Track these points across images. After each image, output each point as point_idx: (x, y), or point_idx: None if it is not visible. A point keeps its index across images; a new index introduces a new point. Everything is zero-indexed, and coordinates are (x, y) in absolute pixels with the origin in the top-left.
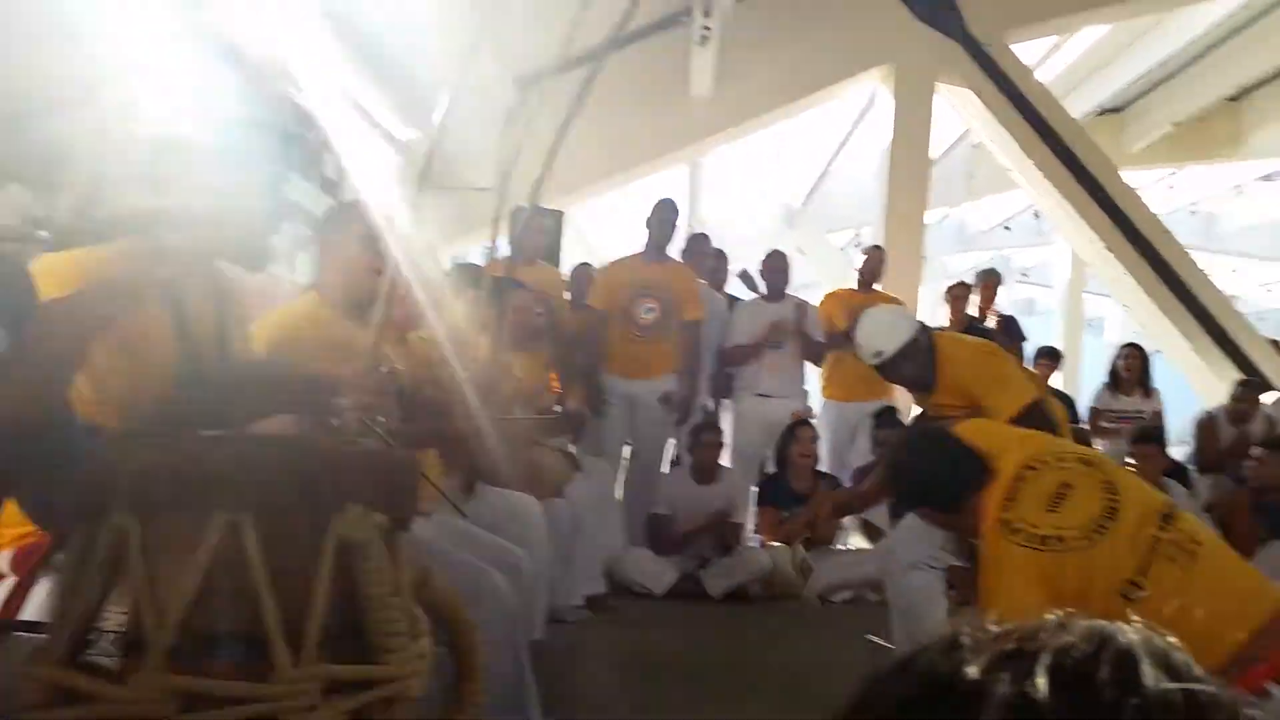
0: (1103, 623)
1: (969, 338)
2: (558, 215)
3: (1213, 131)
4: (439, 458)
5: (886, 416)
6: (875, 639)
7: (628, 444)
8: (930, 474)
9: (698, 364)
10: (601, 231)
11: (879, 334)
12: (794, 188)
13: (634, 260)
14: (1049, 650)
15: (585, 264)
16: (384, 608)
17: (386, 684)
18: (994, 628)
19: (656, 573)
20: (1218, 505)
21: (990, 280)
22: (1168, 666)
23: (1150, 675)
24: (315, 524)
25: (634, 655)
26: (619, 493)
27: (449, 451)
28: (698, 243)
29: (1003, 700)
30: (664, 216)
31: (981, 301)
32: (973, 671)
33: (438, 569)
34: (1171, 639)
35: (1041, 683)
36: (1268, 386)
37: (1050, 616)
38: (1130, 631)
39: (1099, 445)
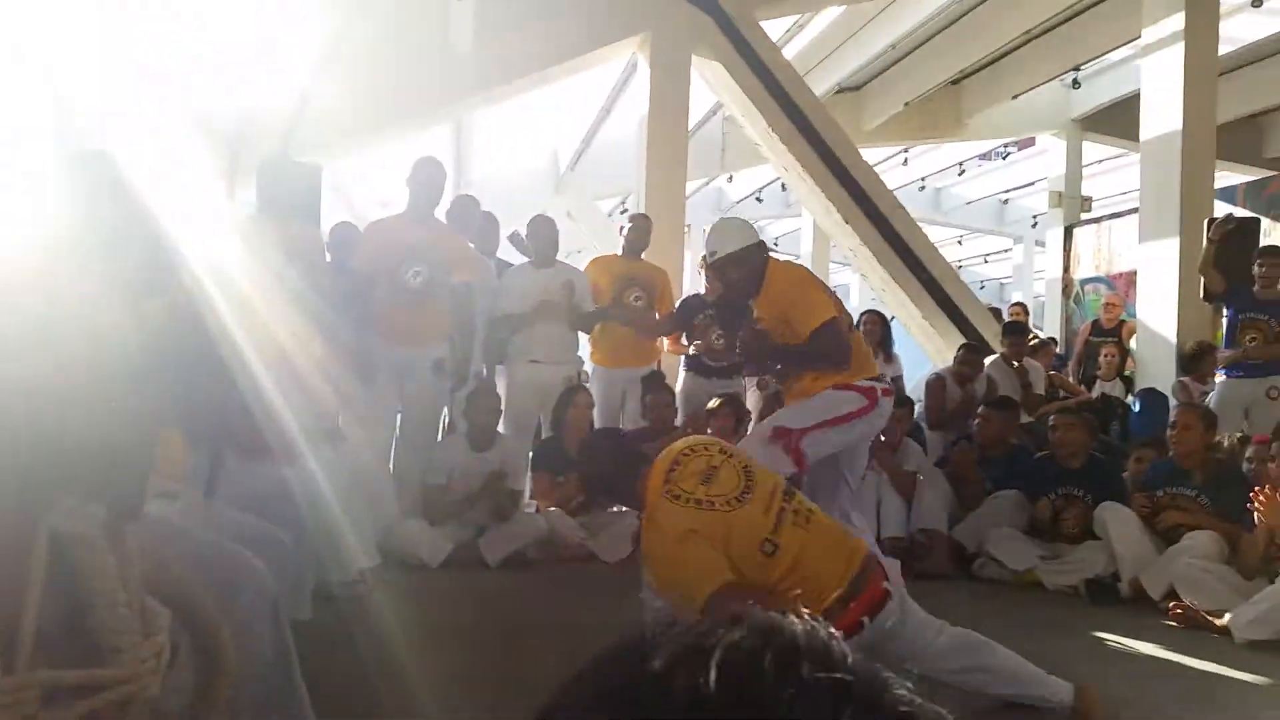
0: (774, 617)
1: (796, 265)
2: (315, 169)
3: (938, 112)
4: (182, 432)
5: (654, 381)
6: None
7: (399, 412)
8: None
9: (470, 329)
10: (371, 190)
11: (720, 237)
12: (561, 152)
13: (399, 221)
14: (722, 645)
15: (347, 223)
16: (109, 605)
17: (116, 686)
18: (678, 625)
19: (432, 543)
20: (948, 461)
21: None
22: (825, 656)
23: (808, 666)
24: (24, 518)
25: (409, 628)
26: (391, 463)
27: (195, 424)
28: (465, 204)
29: (680, 694)
30: (427, 176)
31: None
32: (655, 666)
33: (186, 557)
34: (833, 631)
35: (712, 676)
36: (988, 350)
37: (732, 612)
38: (797, 625)
39: None
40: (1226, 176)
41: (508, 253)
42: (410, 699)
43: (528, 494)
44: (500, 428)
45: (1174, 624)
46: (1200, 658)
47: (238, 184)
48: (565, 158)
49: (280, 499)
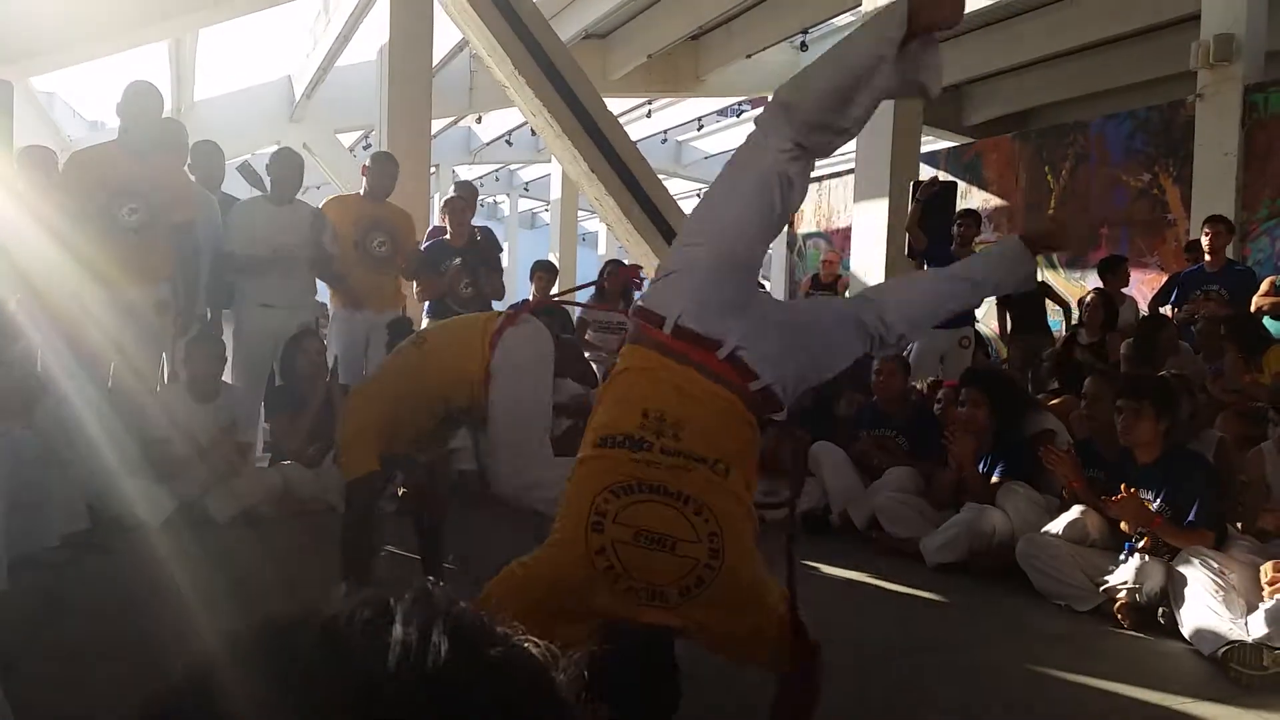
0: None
1: None
2: (4, 86)
3: (678, 67)
4: None
5: (399, 326)
6: (393, 549)
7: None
8: None
9: (193, 271)
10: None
11: None
12: (297, 78)
13: (108, 152)
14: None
15: (40, 147)
16: None
17: None
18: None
19: (151, 501)
20: None
21: (466, 193)
22: (465, 632)
23: (435, 644)
24: None
25: (119, 594)
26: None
27: None
28: (176, 132)
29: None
30: (140, 103)
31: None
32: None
33: None
34: (487, 615)
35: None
36: None
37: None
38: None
39: (588, 352)
40: (931, 142)
41: (235, 186)
42: (117, 668)
43: (260, 446)
44: (228, 376)
45: (876, 550)
46: (899, 582)
47: None
48: (301, 85)
49: None
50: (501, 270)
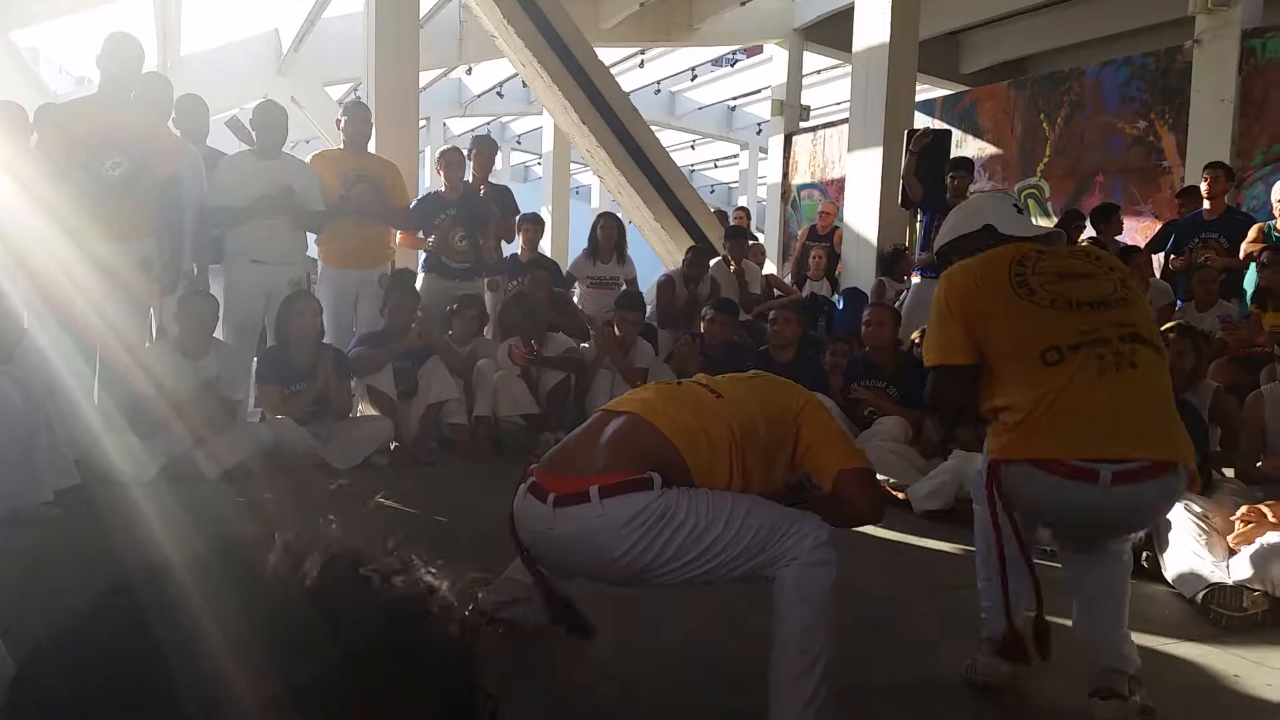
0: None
1: None
2: None
3: (671, 15)
4: None
5: (401, 281)
6: (384, 500)
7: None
8: None
9: (179, 227)
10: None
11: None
12: (284, 30)
13: (86, 106)
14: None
15: (8, 102)
16: None
17: None
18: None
19: (139, 458)
20: (675, 356)
21: (484, 149)
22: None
23: (375, 581)
24: None
25: (105, 549)
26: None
27: None
28: (159, 86)
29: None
30: (122, 54)
31: (475, 169)
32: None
33: None
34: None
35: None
36: (713, 253)
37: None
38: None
39: (582, 305)
40: (926, 90)
41: (221, 140)
42: None
43: (251, 403)
44: (218, 333)
45: None
46: (886, 528)
47: None
48: (288, 37)
49: None
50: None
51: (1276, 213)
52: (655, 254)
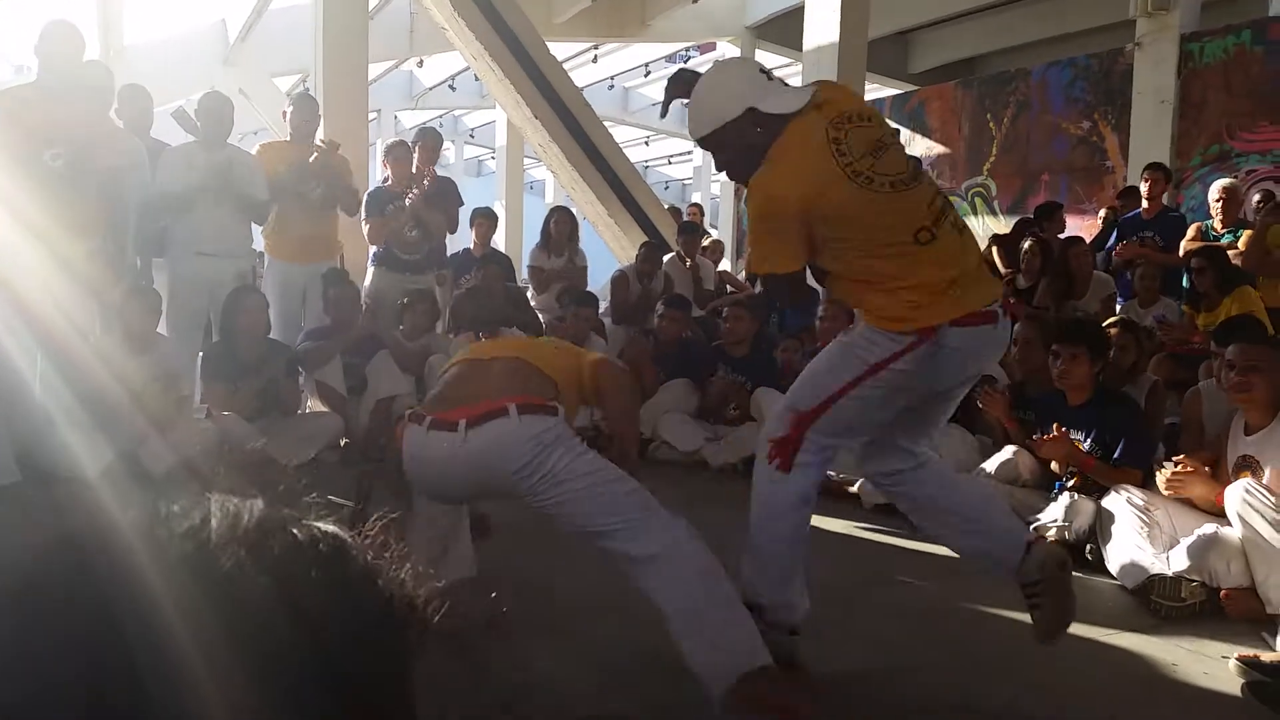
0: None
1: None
2: None
3: (624, 11)
4: None
5: (335, 276)
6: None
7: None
8: None
9: (123, 220)
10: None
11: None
12: (231, 20)
13: (22, 95)
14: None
15: None
16: None
17: None
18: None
19: (86, 454)
20: (627, 352)
21: (428, 141)
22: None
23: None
24: None
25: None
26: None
27: None
28: (100, 75)
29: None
30: (60, 42)
31: (419, 162)
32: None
33: None
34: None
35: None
36: (666, 249)
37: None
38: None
39: (535, 300)
40: (876, 89)
41: (167, 133)
42: None
43: (198, 398)
44: (162, 327)
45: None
46: (836, 516)
47: None
48: (235, 27)
49: None
50: (457, 208)
51: (1213, 212)
52: (609, 249)
